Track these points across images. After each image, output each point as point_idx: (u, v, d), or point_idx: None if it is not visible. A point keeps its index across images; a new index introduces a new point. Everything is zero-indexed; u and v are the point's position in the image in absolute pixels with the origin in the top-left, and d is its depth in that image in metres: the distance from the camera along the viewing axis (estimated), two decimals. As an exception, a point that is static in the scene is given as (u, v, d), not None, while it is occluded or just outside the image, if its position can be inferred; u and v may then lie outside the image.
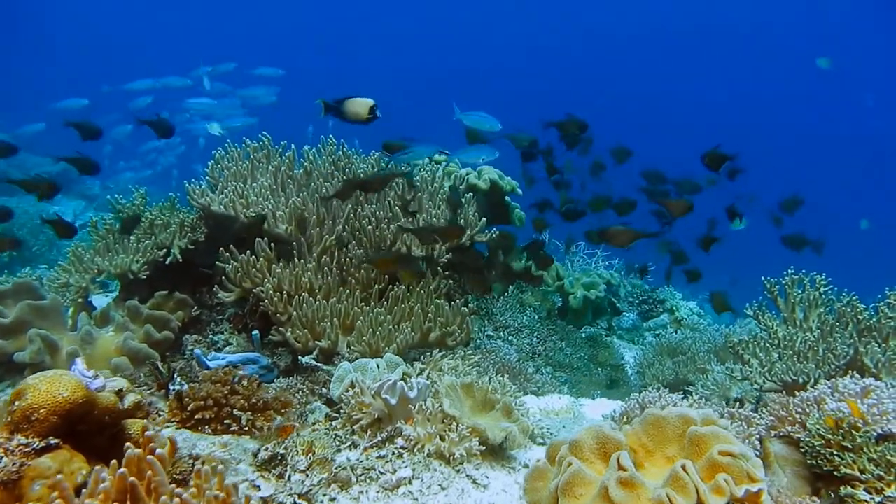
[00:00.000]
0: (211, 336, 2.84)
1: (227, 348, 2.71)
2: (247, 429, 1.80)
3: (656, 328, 4.25)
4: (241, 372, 1.92)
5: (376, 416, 1.88)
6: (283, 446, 1.74)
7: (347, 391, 1.97)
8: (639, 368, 3.58)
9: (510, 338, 3.45)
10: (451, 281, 3.51)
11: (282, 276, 2.55)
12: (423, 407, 1.86)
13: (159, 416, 1.81)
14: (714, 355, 3.39)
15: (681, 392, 3.20)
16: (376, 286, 2.74)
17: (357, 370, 2.12)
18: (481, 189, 3.63)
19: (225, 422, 1.78)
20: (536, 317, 3.66)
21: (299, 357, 2.39)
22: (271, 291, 2.50)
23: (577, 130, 3.28)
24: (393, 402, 1.84)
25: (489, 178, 3.65)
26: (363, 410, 1.90)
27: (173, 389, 1.83)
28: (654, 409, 1.44)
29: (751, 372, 2.09)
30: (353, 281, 2.72)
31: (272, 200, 2.80)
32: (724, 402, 2.42)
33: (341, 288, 2.67)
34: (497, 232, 3.34)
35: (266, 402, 1.88)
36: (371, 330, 2.39)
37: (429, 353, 2.40)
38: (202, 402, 1.75)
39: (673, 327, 4.21)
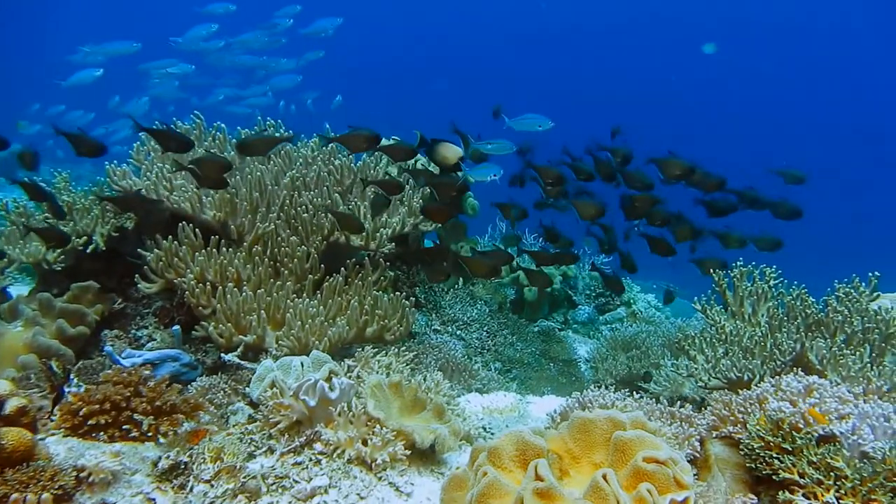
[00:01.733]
0: (134, 331, 2.69)
1: (150, 344, 2.56)
2: (150, 435, 1.67)
3: (612, 321, 4.20)
4: (146, 372, 1.78)
5: (295, 418, 1.77)
6: (188, 453, 1.62)
7: (266, 392, 1.86)
8: (592, 363, 3.52)
9: (459, 332, 3.36)
10: (397, 272, 3.41)
11: (205, 266, 2.41)
12: (345, 409, 1.75)
13: (52, 421, 1.67)
14: (669, 350, 3.34)
15: (626, 389, 3.16)
16: (311, 277, 2.62)
17: (280, 369, 2.00)
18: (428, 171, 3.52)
19: (124, 427, 1.64)
20: (487, 310, 3.57)
21: (222, 354, 2.26)
22: (193, 282, 2.36)
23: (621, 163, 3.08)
24: (312, 403, 1.73)
25: (439, 165, 3.54)
26: (281, 413, 1.78)
27: (68, 392, 1.69)
28: (581, 411, 1.35)
29: (696, 369, 2.03)
30: (287, 272, 2.59)
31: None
32: (667, 401, 2.37)
33: (272, 280, 2.54)
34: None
35: (174, 405, 1.75)
36: (300, 323, 2.27)
37: (361, 350, 2.29)
38: (97, 406, 1.62)
39: (629, 321, 4.16)
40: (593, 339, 4.00)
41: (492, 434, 2.44)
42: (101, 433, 1.62)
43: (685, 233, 3.00)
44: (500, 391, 2.84)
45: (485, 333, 3.41)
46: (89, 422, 1.61)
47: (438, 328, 3.33)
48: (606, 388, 3.38)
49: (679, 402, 1.88)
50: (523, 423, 2.63)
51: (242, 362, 2.20)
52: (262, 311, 2.31)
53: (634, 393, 2.10)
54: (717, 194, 2.98)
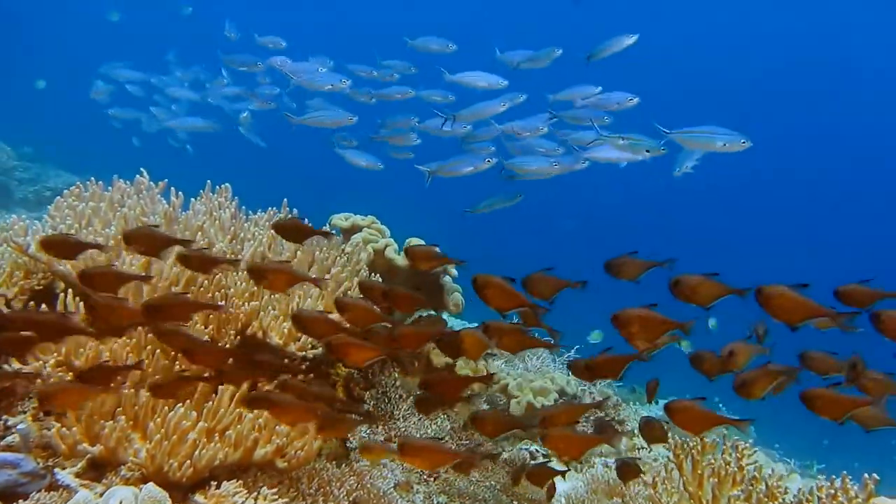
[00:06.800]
0: (5, 420, 2.44)
1: (9, 438, 2.30)
2: None
3: (609, 454, 3.72)
4: None
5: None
6: None
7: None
8: (568, 508, 3.07)
9: (405, 452, 2.98)
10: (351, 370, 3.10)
11: (75, 346, 2.17)
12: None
13: None
14: None
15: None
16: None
17: None
18: (399, 265, 3.25)
19: None
20: (449, 426, 3.19)
21: (54, 470, 1.97)
22: (49, 368, 2.11)
23: None
24: (86, 567, 1.41)
25: (410, 253, 3.27)
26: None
27: None
28: None
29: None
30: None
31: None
32: None
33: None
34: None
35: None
36: (158, 438, 1.98)
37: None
38: None
39: (629, 455, 3.67)
40: (580, 474, 3.53)
41: None
42: None
43: None
44: (422, 541, 2.44)
45: (437, 457, 3.03)
46: None
47: (380, 445, 2.97)
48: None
49: None
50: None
51: (72, 483, 1.90)
52: (122, 417, 2.03)
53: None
54: None
